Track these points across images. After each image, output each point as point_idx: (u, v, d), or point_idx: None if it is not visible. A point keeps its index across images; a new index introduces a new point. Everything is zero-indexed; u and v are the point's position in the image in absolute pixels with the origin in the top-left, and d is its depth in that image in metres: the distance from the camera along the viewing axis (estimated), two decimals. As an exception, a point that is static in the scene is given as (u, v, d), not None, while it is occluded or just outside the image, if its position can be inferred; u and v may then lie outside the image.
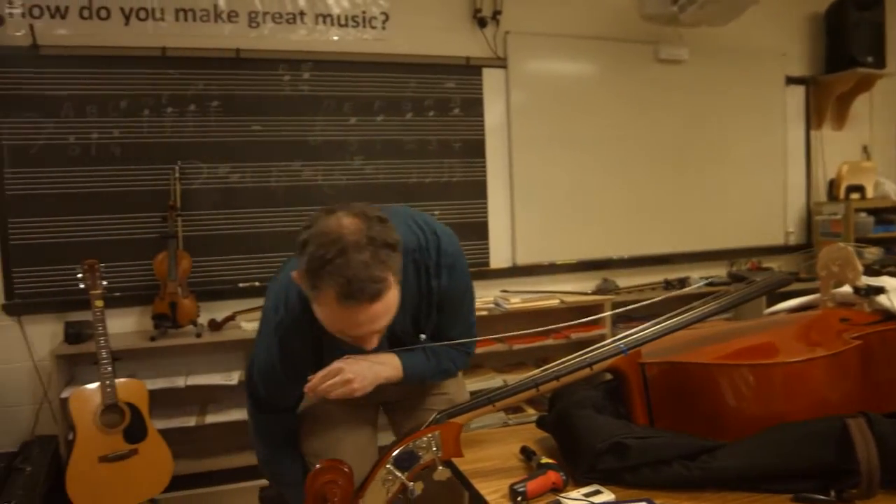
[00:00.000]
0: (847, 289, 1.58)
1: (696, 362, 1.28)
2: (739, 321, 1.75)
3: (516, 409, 3.34)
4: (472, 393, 1.26)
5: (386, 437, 1.57)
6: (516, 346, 3.43)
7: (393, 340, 1.51)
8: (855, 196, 4.13)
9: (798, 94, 4.32)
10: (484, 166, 3.64)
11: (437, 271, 1.49)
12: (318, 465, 1.20)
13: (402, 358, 1.51)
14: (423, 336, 1.56)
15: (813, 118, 4.36)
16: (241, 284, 3.25)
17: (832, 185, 4.27)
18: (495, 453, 1.40)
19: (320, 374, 1.40)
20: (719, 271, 4.14)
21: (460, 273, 1.53)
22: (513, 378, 3.34)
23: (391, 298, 1.24)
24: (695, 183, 4.04)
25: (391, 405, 1.81)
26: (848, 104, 4.35)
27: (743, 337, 1.50)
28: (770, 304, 1.90)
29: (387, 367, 1.48)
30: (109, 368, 2.59)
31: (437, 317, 1.55)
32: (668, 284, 3.91)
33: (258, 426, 1.64)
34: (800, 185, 4.37)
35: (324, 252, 1.18)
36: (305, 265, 1.21)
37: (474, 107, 3.60)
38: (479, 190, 3.64)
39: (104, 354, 2.59)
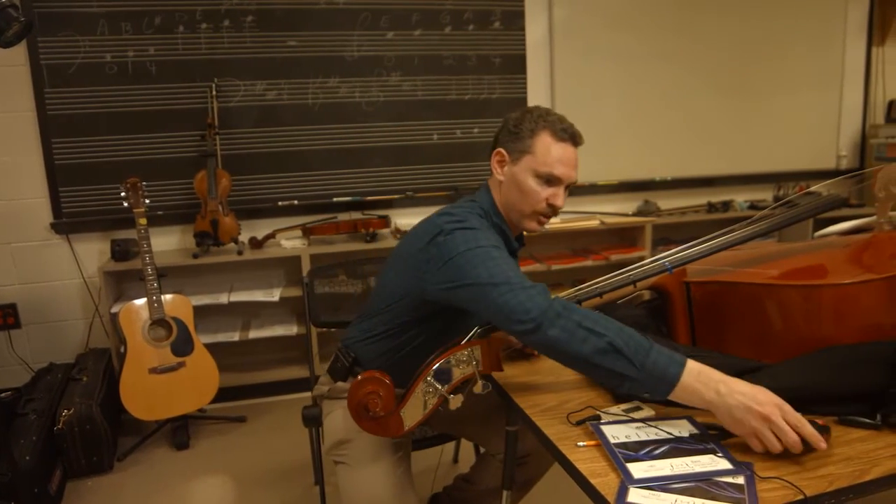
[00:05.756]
0: (905, 211, 1.52)
1: (744, 282, 1.25)
2: (787, 243, 1.69)
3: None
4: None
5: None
6: (555, 267, 3.42)
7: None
8: (916, 117, 3.94)
9: (862, 6, 4.06)
10: (524, 83, 3.54)
11: None
12: (359, 377, 1.22)
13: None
14: None
15: (875, 34, 4.10)
16: (280, 203, 3.27)
17: (891, 107, 4.06)
18: (534, 369, 1.41)
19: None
20: (765, 195, 4.03)
21: None
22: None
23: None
24: (743, 103, 3.88)
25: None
26: (915, 18, 4.09)
27: (791, 258, 1.44)
28: (817, 229, 1.84)
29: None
30: (155, 284, 2.66)
31: None
32: (711, 207, 3.83)
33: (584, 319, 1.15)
34: (856, 107, 4.16)
35: (531, 109, 1.46)
36: (513, 127, 1.45)
37: (515, 20, 3.46)
38: (519, 107, 3.53)
39: (150, 271, 2.65)
